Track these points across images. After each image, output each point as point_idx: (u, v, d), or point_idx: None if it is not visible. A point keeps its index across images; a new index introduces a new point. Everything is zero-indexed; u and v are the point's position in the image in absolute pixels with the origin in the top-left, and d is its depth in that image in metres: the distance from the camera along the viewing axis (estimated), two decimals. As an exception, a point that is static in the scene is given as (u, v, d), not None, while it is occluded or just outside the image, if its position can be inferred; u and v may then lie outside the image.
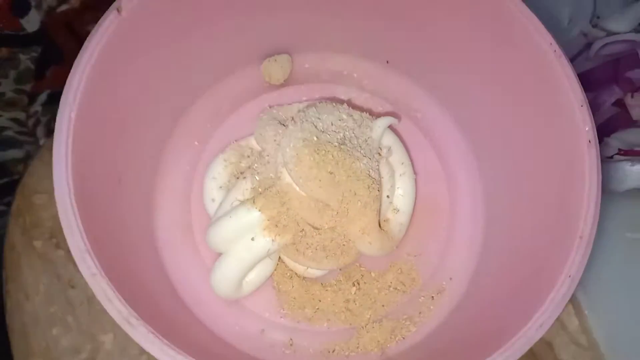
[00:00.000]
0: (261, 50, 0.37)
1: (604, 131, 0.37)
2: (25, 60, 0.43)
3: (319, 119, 0.31)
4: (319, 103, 0.33)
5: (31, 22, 0.42)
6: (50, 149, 0.37)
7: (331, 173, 0.29)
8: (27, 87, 0.43)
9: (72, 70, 0.27)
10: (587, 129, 0.27)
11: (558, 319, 0.35)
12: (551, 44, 0.28)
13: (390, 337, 0.31)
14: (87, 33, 0.28)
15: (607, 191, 0.35)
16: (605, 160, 0.36)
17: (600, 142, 0.36)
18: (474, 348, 0.26)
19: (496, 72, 0.31)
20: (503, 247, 0.31)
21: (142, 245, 0.32)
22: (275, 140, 0.31)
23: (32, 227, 0.35)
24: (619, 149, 0.35)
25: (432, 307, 0.32)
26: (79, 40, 0.47)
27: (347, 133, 0.31)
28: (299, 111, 0.32)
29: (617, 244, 0.35)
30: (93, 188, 0.27)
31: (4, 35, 0.42)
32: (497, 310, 0.28)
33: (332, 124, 0.30)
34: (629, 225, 0.35)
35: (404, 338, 0.31)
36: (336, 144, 0.30)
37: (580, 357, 0.34)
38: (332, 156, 0.29)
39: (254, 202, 0.30)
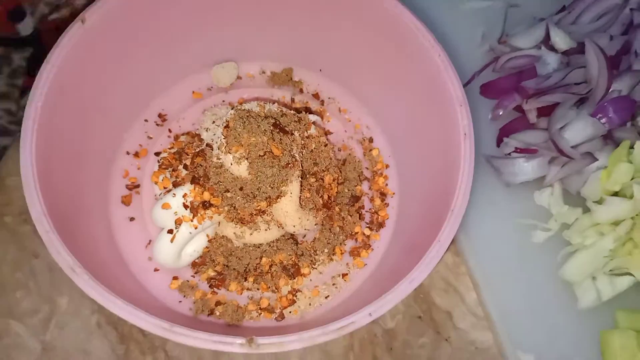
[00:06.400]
0: (211, 58, 0.43)
1: (505, 132, 0.42)
2: (18, 59, 0.48)
3: (250, 112, 0.36)
4: (253, 102, 0.38)
5: (26, 27, 0.48)
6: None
7: (258, 156, 0.34)
8: (19, 82, 0.48)
9: (39, 72, 0.32)
10: (464, 123, 0.32)
11: (458, 292, 0.40)
12: (440, 55, 0.34)
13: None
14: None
15: (504, 183, 0.41)
16: (504, 157, 0.41)
17: (500, 142, 0.42)
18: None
19: (401, 83, 0.38)
20: (409, 212, 0.38)
21: (96, 217, 0.37)
22: (211, 129, 0.37)
23: (4, 205, 0.40)
24: (516, 148, 0.41)
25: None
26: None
27: (276, 122, 0.36)
28: (234, 107, 0.37)
29: (509, 229, 0.40)
30: (54, 167, 0.32)
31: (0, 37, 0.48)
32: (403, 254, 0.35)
33: (261, 116, 0.36)
34: (520, 213, 0.40)
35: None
36: (265, 129, 0.35)
37: (476, 326, 0.39)
38: (259, 140, 0.34)
39: (191, 183, 0.35)
